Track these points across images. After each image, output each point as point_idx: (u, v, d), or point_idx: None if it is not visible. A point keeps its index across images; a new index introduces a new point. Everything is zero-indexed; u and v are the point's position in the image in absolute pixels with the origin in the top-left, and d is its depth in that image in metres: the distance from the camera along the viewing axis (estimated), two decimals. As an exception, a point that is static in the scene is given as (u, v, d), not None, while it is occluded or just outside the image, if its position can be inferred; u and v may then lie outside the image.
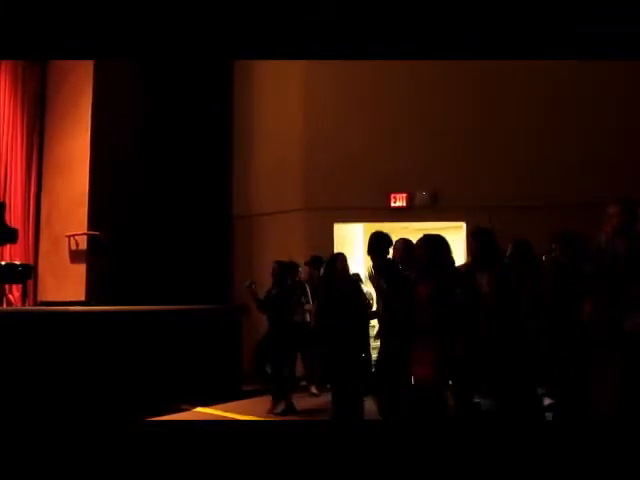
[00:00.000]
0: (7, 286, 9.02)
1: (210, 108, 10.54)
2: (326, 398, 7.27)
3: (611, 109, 8.81)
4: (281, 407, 6.99)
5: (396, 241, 5.19)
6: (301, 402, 7.33)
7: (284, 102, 10.22)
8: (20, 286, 8.84)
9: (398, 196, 9.40)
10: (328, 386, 7.78)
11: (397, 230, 7.65)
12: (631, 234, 3.98)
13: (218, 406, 7.27)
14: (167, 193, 9.69)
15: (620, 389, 3.73)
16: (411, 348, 4.59)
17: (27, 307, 8.55)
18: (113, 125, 9.21)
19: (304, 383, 8.11)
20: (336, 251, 8.71)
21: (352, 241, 10.31)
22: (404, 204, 9.40)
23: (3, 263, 8.33)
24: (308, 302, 7.74)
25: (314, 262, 7.95)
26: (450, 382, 4.51)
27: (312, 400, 7.71)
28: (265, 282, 7.49)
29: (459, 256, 8.47)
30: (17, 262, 8.61)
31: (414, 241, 4.82)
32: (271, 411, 6.96)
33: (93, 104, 9.13)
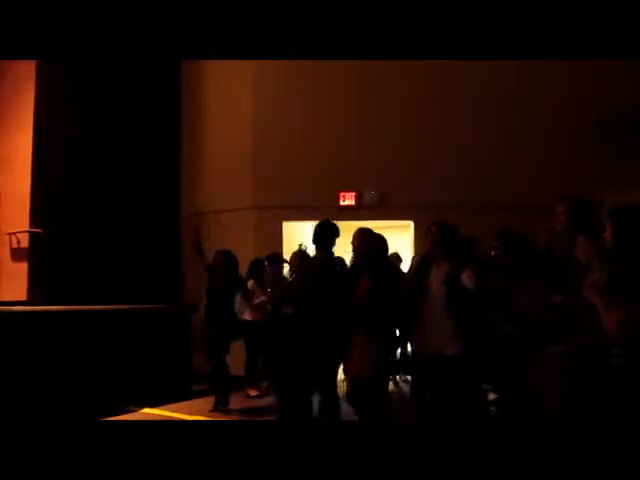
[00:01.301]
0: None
1: (157, 107, 10.41)
2: (264, 400, 7.39)
3: (558, 109, 9.00)
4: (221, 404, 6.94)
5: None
6: (238, 403, 7.25)
7: (234, 101, 10.14)
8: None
9: (347, 195, 9.44)
10: (263, 386, 7.77)
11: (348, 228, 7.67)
12: (582, 230, 3.96)
13: (166, 406, 7.16)
14: (112, 191, 9.52)
15: (563, 386, 3.81)
16: (348, 344, 4.62)
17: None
18: (56, 123, 9.02)
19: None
20: (285, 248, 8.74)
21: (301, 239, 10.32)
22: (353, 203, 9.45)
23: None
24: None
25: (272, 259, 7.95)
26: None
27: (250, 401, 7.62)
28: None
29: (406, 254, 8.57)
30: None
31: None
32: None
33: (35, 101, 8.91)
